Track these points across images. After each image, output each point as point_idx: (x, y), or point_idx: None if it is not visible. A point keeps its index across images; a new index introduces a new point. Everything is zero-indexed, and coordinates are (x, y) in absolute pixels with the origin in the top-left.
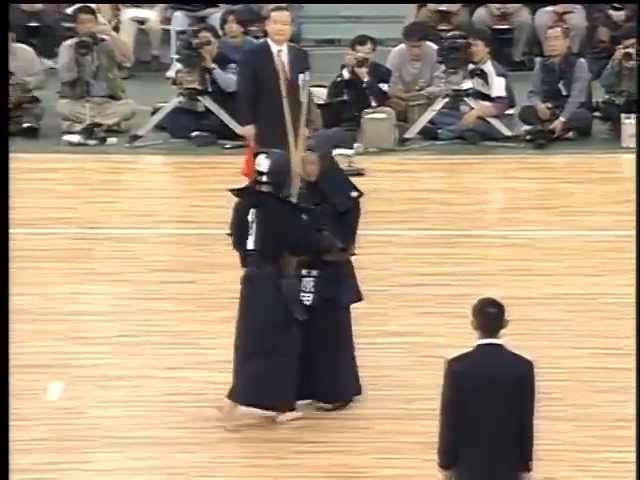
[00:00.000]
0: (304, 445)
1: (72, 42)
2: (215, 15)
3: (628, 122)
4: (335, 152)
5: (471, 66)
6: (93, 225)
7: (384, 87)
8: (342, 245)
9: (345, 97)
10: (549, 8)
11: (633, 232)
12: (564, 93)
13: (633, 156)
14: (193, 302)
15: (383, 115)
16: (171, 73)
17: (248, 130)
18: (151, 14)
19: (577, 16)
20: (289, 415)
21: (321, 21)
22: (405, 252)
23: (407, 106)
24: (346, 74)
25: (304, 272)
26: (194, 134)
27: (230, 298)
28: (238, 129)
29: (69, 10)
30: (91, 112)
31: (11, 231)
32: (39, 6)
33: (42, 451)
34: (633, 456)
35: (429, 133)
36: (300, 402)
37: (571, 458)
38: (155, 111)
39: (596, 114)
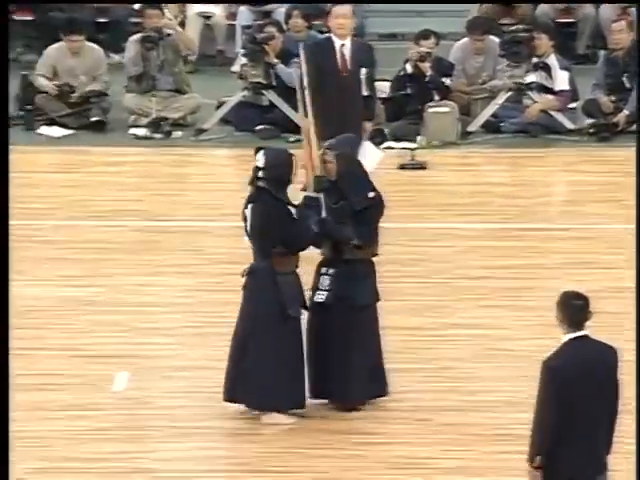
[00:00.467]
0: (366, 436)
1: (138, 37)
2: (280, 10)
3: None
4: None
5: (535, 59)
6: (159, 217)
7: (447, 81)
8: (358, 242)
9: (408, 91)
10: None
11: None
12: (628, 86)
13: None
14: None
15: (446, 109)
16: (236, 67)
17: (306, 123)
18: (216, 9)
19: None
20: (275, 418)
21: (384, 15)
22: (468, 245)
23: (470, 100)
24: (409, 68)
25: (322, 270)
26: (258, 127)
27: None
28: (300, 122)
29: (136, 6)
30: (157, 106)
31: (80, 223)
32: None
33: (108, 440)
34: None
35: (492, 126)
36: (315, 401)
37: None
38: (220, 105)
39: None
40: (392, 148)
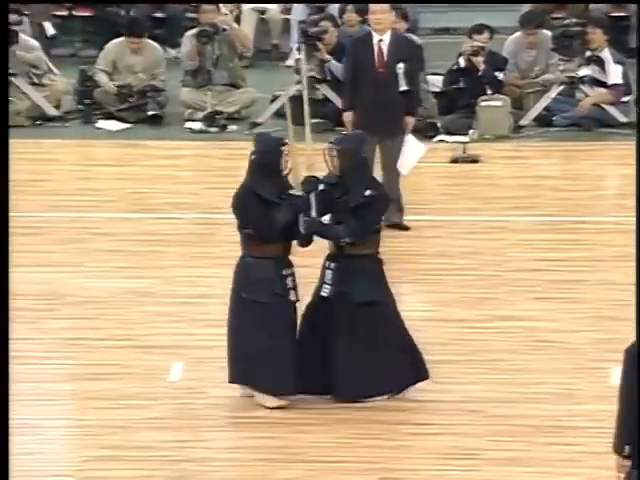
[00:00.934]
0: (417, 427)
1: (194, 32)
2: (334, 4)
3: None
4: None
5: (588, 53)
6: (214, 210)
7: (500, 75)
8: (349, 240)
9: (461, 85)
10: None
11: None
12: None
13: None
14: (308, 287)
15: (498, 102)
16: (290, 62)
17: (347, 116)
18: (271, 4)
19: None
20: (268, 400)
21: (438, 10)
22: (519, 238)
23: (522, 93)
24: (462, 62)
25: (327, 263)
26: (312, 121)
27: None
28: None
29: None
30: (212, 100)
31: (136, 216)
32: None
33: (163, 429)
34: None
35: (544, 120)
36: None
37: None
38: (274, 99)
39: None
40: (444, 141)
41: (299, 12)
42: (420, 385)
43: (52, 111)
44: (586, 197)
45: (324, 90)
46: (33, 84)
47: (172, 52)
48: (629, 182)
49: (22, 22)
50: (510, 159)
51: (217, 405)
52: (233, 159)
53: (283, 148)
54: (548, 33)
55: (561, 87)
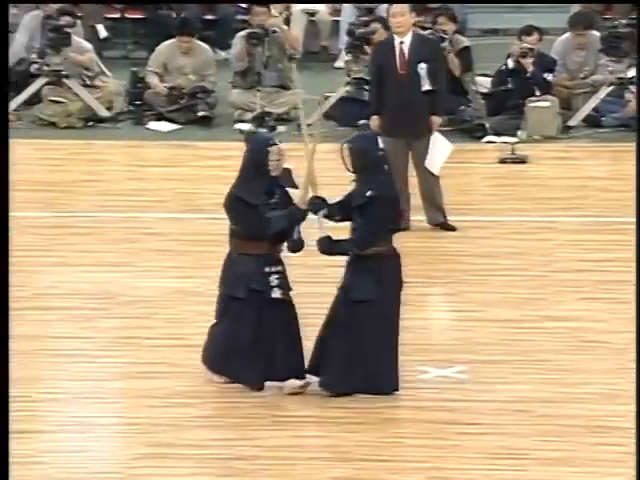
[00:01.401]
0: (465, 427)
1: (245, 33)
2: (383, 6)
3: None
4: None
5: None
6: None
7: (549, 77)
8: (356, 250)
9: (509, 86)
10: None
11: None
12: None
13: None
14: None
15: (547, 103)
16: (340, 63)
17: (374, 120)
18: (321, 6)
19: None
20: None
21: (486, 11)
22: (567, 238)
23: (571, 94)
24: (511, 63)
25: (346, 261)
26: (361, 122)
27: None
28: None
29: (244, 3)
30: (262, 101)
31: (186, 216)
32: None
33: (211, 427)
34: None
35: (593, 121)
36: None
37: None
38: (324, 99)
39: None
40: (493, 142)
41: (348, 14)
42: (468, 385)
43: (104, 112)
44: (634, 198)
45: None
46: (85, 86)
47: (222, 54)
48: None
49: (76, 24)
50: (558, 160)
51: (264, 404)
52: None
53: (271, 148)
54: (597, 34)
55: (610, 88)
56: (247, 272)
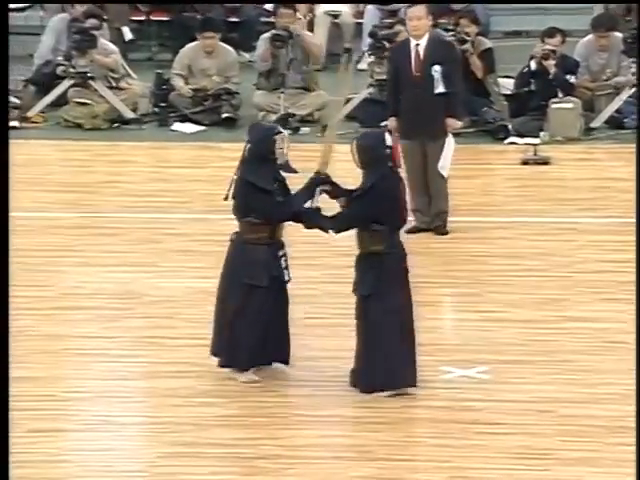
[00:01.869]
0: (488, 426)
1: (269, 34)
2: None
3: None
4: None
5: None
6: None
7: (571, 79)
8: (332, 231)
9: (532, 87)
10: None
11: None
12: None
13: None
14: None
15: (569, 105)
16: (363, 65)
17: (391, 122)
18: (345, 8)
19: None
20: (244, 376)
21: (509, 13)
22: (589, 239)
23: (593, 96)
24: (533, 65)
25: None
26: (383, 123)
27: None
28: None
29: (269, 6)
30: (285, 103)
31: (209, 217)
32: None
33: (236, 426)
34: None
35: (615, 122)
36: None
37: None
38: (346, 102)
39: None
40: (515, 143)
41: (371, 16)
42: (490, 385)
43: (129, 114)
44: (634, 199)
45: None
46: (111, 87)
47: (246, 56)
48: None
49: (101, 27)
50: (581, 161)
51: (288, 403)
52: (305, 161)
53: (276, 137)
54: (619, 35)
55: (632, 89)
56: (266, 259)
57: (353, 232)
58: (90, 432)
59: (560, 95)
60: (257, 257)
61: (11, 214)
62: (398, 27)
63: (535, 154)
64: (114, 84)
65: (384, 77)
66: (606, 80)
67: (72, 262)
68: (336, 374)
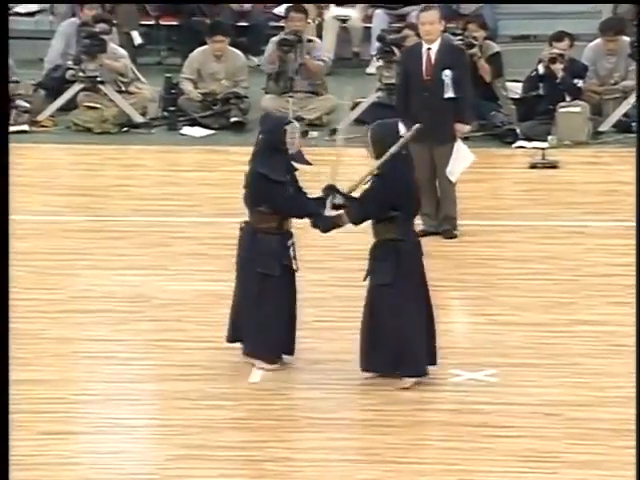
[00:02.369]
0: (496, 429)
1: (277, 38)
2: (415, 12)
3: None
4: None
5: None
6: None
7: (579, 83)
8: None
9: (540, 91)
10: None
11: None
12: None
13: None
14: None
15: (577, 109)
16: (371, 69)
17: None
18: (353, 12)
19: None
20: (267, 367)
21: (517, 17)
22: (597, 243)
23: (601, 100)
24: (541, 69)
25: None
26: None
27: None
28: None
29: (276, 10)
30: (294, 107)
31: (219, 220)
32: (248, 6)
33: (245, 429)
34: None
35: (623, 126)
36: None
37: None
38: (355, 106)
39: None
40: (523, 147)
41: (380, 20)
42: (498, 388)
43: (138, 118)
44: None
45: None
46: (120, 92)
47: (255, 60)
48: None
49: (111, 31)
50: (589, 165)
51: (297, 406)
52: (314, 164)
53: (287, 127)
54: (627, 39)
55: None
56: (277, 249)
57: (357, 231)
58: (100, 435)
59: (568, 99)
60: (269, 247)
61: (21, 217)
62: (406, 31)
63: (543, 158)
64: (123, 88)
65: (392, 81)
66: (614, 84)
67: (82, 265)
68: (344, 377)
